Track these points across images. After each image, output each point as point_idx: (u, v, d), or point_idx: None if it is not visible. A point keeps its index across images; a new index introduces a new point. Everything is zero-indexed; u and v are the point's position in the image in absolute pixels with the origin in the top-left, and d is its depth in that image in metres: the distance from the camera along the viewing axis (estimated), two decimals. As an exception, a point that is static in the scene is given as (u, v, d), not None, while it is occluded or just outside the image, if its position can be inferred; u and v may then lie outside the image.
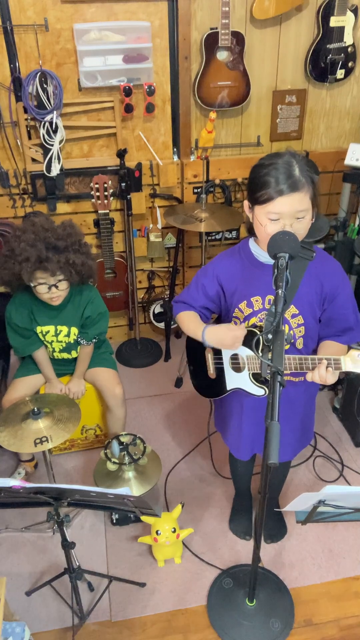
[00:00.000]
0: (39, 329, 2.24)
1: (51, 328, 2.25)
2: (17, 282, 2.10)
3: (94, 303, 2.27)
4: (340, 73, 2.80)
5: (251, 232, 1.58)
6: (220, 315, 1.76)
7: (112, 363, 2.48)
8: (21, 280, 2.06)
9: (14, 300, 2.22)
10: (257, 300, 1.59)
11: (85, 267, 2.10)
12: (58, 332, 2.26)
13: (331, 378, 1.43)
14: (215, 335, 1.59)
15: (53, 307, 2.20)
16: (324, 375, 1.42)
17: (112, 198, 2.85)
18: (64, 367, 2.40)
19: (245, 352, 1.63)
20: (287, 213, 1.40)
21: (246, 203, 1.51)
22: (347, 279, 1.63)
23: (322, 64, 2.76)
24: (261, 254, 1.58)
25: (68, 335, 2.28)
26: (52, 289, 2.07)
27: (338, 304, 1.59)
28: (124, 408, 2.39)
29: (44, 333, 2.26)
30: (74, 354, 2.36)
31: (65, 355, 2.36)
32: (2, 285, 2.17)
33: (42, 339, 2.27)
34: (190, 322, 1.69)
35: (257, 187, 1.42)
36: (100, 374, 2.39)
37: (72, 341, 2.30)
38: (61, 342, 2.29)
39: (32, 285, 2.08)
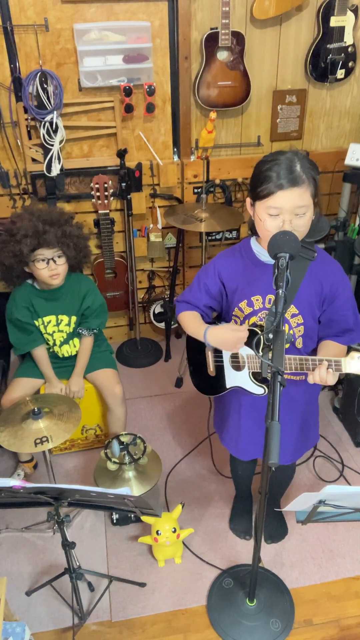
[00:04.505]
0: (40, 320, 2.28)
1: (52, 318, 2.30)
2: (17, 269, 2.17)
3: (93, 294, 2.35)
4: (340, 73, 2.80)
5: (253, 231, 1.58)
6: (220, 313, 1.76)
7: (112, 362, 2.48)
8: (22, 264, 2.14)
9: (13, 296, 2.28)
10: (257, 300, 1.59)
11: (80, 241, 2.22)
12: (59, 321, 2.31)
13: (331, 379, 1.43)
14: (218, 336, 1.59)
15: (52, 297, 2.27)
16: (324, 376, 1.42)
17: (112, 198, 2.85)
18: (66, 367, 2.40)
19: (245, 351, 1.63)
20: (286, 208, 1.40)
21: (248, 200, 1.51)
22: (348, 280, 1.63)
23: (322, 64, 2.76)
24: (263, 252, 1.58)
25: (69, 324, 2.33)
26: (50, 263, 2.15)
27: (338, 305, 1.59)
28: (123, 407, 2.40)
29: (46, 324, 2.30)
30: (72, 347, 2.38)
31: (66, 349, 2.37)
32: (2, 279, 2.24)
33: (44, 331, 2.31)
34: (192, 322, 1.69)
35: (258, 182, 1.43)
36: (99, 373, 2.41)
37: (72, 331, 2.35)
38: (62, 332, 2.33)
39: (31, 262, 2.14)
